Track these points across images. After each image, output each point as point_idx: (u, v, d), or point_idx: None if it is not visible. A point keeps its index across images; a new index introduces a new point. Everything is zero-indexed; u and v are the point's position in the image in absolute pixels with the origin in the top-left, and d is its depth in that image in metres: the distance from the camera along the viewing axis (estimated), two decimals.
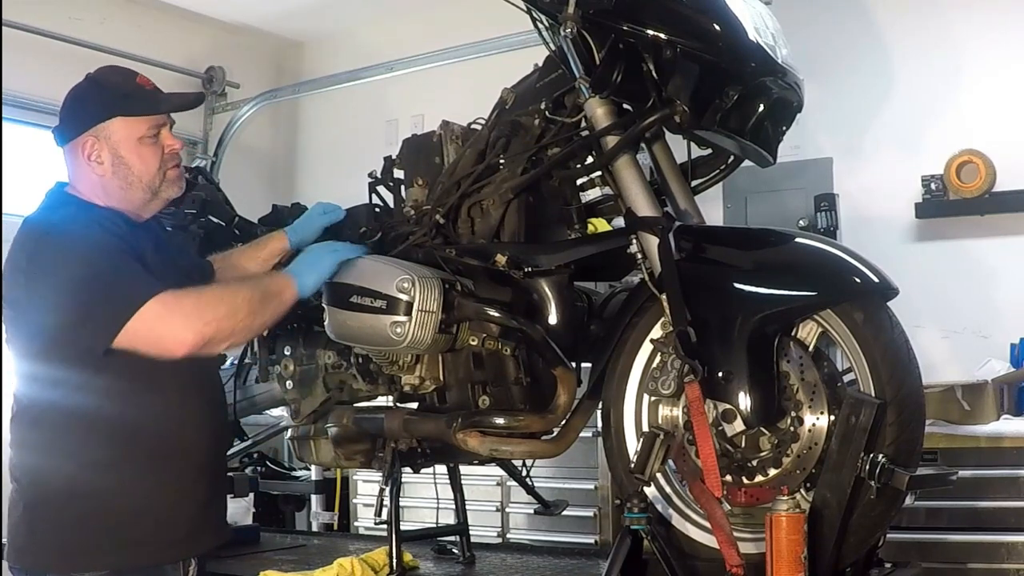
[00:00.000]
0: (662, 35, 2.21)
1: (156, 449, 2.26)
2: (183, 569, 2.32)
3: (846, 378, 2.18)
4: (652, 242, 2.22)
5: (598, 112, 2.30)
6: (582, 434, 2.51)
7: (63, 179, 2.39)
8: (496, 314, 2.34)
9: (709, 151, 2.53)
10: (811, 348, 2.18)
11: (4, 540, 2.29)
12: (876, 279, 2.09)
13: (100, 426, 2.22)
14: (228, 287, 2.38)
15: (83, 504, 2.21)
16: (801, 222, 4.28)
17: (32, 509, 2.24)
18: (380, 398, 2.73)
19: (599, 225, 2.75)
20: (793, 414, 2.13)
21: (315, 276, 2.43)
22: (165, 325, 2.15)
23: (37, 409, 2.24)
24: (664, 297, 2.16)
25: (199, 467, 2.33)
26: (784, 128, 2.41)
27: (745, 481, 2.18)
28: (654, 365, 2.25)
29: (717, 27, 2.22)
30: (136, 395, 2.24)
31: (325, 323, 2.49)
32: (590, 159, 2.41)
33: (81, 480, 2.21)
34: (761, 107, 2.29)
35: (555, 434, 2.45)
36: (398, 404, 2.65)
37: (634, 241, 2.25)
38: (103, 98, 2.33)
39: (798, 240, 2.29)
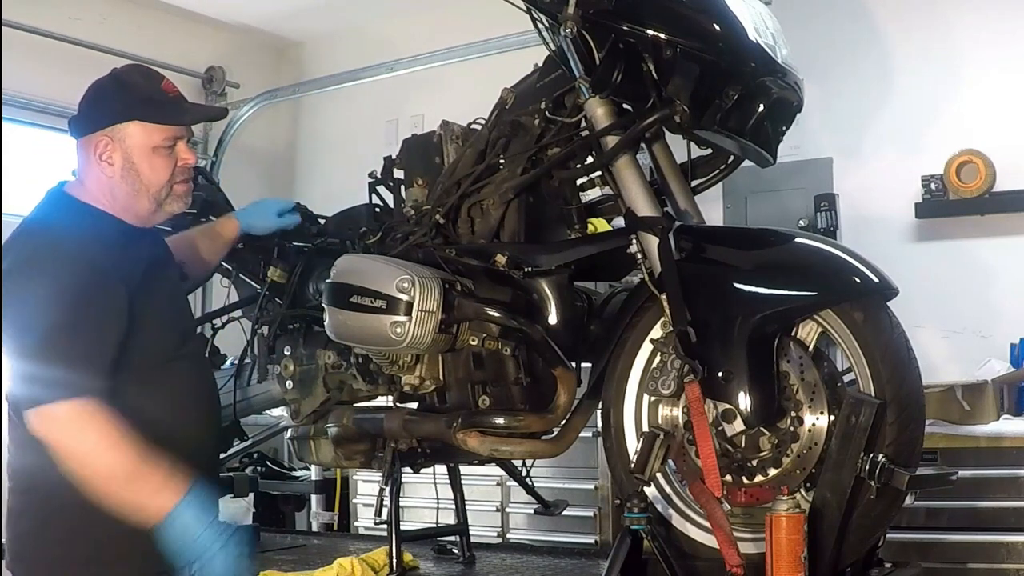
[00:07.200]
0: (662, 35, 2.21)
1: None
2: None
3: (846, 378, 2.17)
4: (652, 242, 2.22)
5: (598, 112, 2.30)
6: (582, 434, 2.51)
7: (65, 177, 2.36)
8: (496, 314, 2.34)
9: (709, 151, 2.53)
10: (811, 348, 2.18)
11: (4, 542, 2.26)
12: (876, 279, 2.09)
13: None
14: (118, 453, 2.07)
15: (67, 514, 2.13)
16: (801, 222, 4.28)
17: (18, 516, 2.19)
18: (380, 398, 2.73)
19: (599, 225, 2.75)
20: (793, 414, 2.13)
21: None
22: (68, 426, 2.07)
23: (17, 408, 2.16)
24: (664, 297, 2.16)
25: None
26: (784, 128, 2.41)
27: (745, 481, 2.18)
28: (654, 365, 2.25)
29: (717, 27, 2.22)
30: (124, 400, 2.14)
31: (325, 323, 2.49)
32: (590, 159, 2.41)
33: (64, 486, 2.10)
34: (761, 107, 2.29)
35: (555, 434, 2.45)
36: (398, 404, 2.65)
37: (634, 241, 2.25)
38: (124, 99, 2.26)
39: (798, 240, 2.29)
